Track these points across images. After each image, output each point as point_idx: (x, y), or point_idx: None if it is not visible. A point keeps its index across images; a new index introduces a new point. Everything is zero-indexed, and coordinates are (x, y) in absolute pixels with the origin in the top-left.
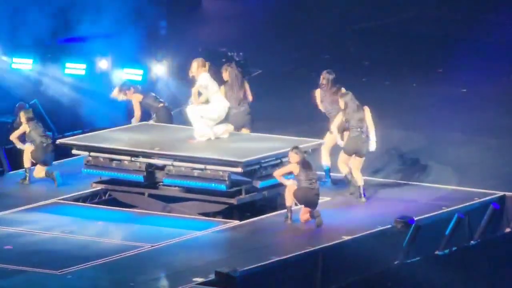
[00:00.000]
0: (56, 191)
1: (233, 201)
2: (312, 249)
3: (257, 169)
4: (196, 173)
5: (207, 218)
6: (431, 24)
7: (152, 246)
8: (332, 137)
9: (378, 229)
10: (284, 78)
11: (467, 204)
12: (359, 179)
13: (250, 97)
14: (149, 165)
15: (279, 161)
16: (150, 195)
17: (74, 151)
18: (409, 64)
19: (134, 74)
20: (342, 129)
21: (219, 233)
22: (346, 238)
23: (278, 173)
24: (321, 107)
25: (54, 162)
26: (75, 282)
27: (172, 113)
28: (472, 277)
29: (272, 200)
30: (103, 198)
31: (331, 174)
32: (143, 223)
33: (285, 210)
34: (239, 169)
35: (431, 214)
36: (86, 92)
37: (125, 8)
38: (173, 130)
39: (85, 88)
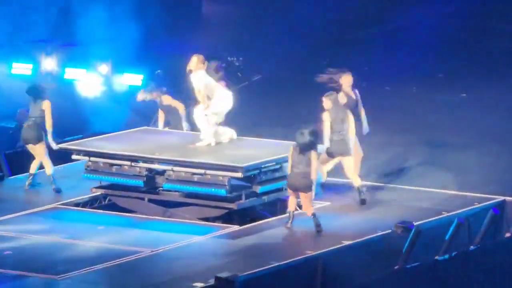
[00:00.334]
0: (56, 196)
1: (233, 206)
2: (312, 254)
3: (257, 174)
4: (196, 178)
5: (207, 223)
6: (431, 30)
7: (152, 251)
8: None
9: (378, 234)
10: (284, 83)
11: (467, 209)
12: (355, 180)
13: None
14: (149, 170)
15: (279, 166)
16: (150, 200)
17: (74, 156)
18: (409, 69)
19: (134, 79)
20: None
21: (219, 238)
22: (346, 243)
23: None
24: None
25: (54, 167)
26: (74, 287)
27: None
28: (473, 282)
29: (272, 205)
30: (103, 203)
31: (328, 179)
32: (143, 228)
33: (286, 215)
34: (239, 174)
35: (431, 219)
36: (86, 97)
37: (125, 13)
38: (173, 135)
39: (85, 93)
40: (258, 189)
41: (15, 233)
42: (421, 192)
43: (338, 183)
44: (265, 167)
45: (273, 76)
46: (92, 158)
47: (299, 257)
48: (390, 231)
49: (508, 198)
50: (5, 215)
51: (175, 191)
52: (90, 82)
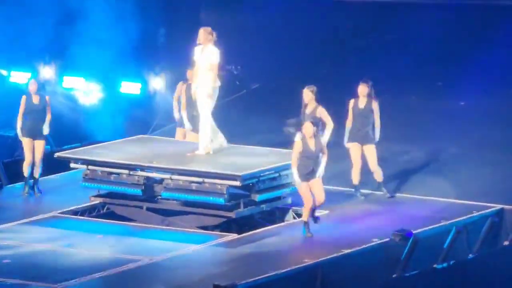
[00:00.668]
0: (54, 205)
1: (232, 214)
2: (311, 262)
3: (255, 182)
4: (194, 186)
5: (205, 231)
6: (430, 39)
7: (151, 259)
8: None
9: (377, 242)
10: (282, 92)
11: (466, 217)
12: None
13: None
14: (147, 179)
15: (277, 174)
16: (149, 209)
17: (72, 165)
18: (408, 78)
19: (132, 87)
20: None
21: (217, 246)
22: (345, 251)
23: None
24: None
25: (52, 176)
26: None
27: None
28: None
29: (270, 214)
30: (102, 211)
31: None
32: (142, 236)
33: (284, 223)
34: (237, 183)
35: (430, 227)
36: (85, 106)
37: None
38: (171, 144)
39: (83, 101)
40: (257, 197)
41: (14, 241)
42: (419, 201)
43: (336, 191)
44: (263, 176)
45: (272, 85)
46: (90, 167)
47: (298, 266)
48: (388, 239)
49: (506, 207)
50: (3, 224)
51: (174, 199)
52: (88, 90)
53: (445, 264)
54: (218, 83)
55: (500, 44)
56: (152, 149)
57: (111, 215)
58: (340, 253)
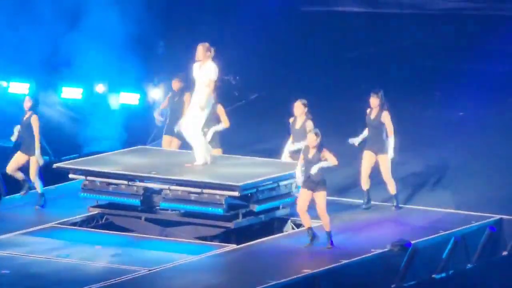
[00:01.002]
0: (53, 215)
1: (230, 225)
2: (310, 272)
3: (254, 193)
4: (193, 197)
5: (204, 242)
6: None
7: (149, 270)
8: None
9: (375, 252)
10: (281, 102)
11: (464, 227)
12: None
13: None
14: (146, 189)
15: (276, 185)
16: (147, 219)
17: (71, 175)
18: (406, 87)
19: (131, 98)
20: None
21: (216, 257)
22: (343, 261)
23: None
24: None
25: (51, 186)
26: None
27: None
28: None
29: (269, 224)
30: (100, 222)
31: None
32: (140, 247)
33: (283, 234)
34: (236, 193)
35: (428, 237)
36: (83, 116)
37: (122, 32)
38: (169, 154)
39: (82, 112)
40: (255, 208)
41: (13, 252)
42: (418, 211)
43: (335, 202)
44: (262, 186)
45: (270, 95)
46: (89, 177)
47: (297, 276)
48: (387, 249)
49: (504, 217)
50: (2, 234)
51: (172, 210)
52: (86, 101)
53: (443, 274)
54: (213, 100)
55: (498, 54)
56: (150, 159)
57: (110, 226)
58: (339, 263)
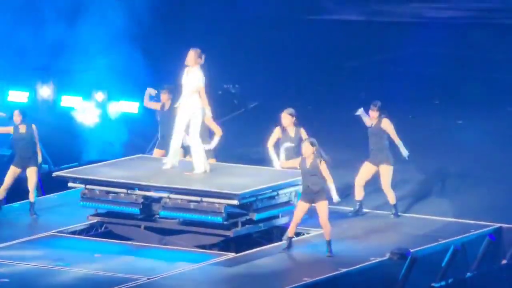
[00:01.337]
0: (52, 224)
1: (229, 233)
2: (310, 281)
3: (253, 201)
4: (192, 205)
5: (203, 250)
6: (429, 58)
7: (149, 278)
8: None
9: (375, 261)
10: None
11: (463, 236)
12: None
13: None
14: (145, 198)
15: (275, 193)
16: (146, 228)
17: (70, 184)
18: (406, 96)
19: (130, 106)
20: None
21: (215, 265)
22: (343, 270)
23: None
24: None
25: (50, 195)
26: None
27: None
28: None
29: (268, 233)
30: (100, 230)
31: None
32: (139, 255)
33: (282, 242)
34: (235, 202)
35: (427, 246)
36: (83, 125)
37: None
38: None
39: (81, 120)
40: (255, 216)
41: (12, 260)
42: (417, 219)
43: (333, 211)
44: (261, 195)
45: (270, 104)
46: (88, 186)
47: (296, 285)
48: (386, 258)
49: (504, 225)
50: (1, 243)
51: (172, 218)
52: (86, 109)
53: (443, 283)
54: (205, 108)
55: (498, 62)
56: (150, 168)
57: (109, 234)
58: (338, 272)
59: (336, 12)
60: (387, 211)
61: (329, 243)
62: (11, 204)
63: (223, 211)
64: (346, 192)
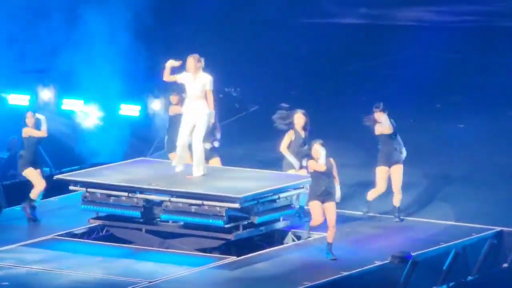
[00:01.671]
0: (53, 227)
1: (231, 236)
2: (311, 284)
3: (254, 204)
4: (193, 209)
5: (204, 254)
6: (429, 62)
7: (150, 282)
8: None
9: (376, 264)
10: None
11: (465, 239)
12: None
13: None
14: (147, 201)
15: (276, 197)
16: (148, 231)
17: (71, 187)
18: (407, 100)
19: (132, 110)
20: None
21: (216, 269)
22: (344, 273)
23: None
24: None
25: (52, 198)
26: None
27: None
28: None
29: (269, 236)
30: (101, 234)
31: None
32: (141, 259)
33: (283, 246)
34: (236, 205)
35: (429, 249)
36: (84, 128)
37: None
38: (170, 166)
39: (83, 123)
40: (256, 219)
41: (13, 264)
42: (419, 223)
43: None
44: (262, 198)
45: (271, 107)
46: (90, 189)
47: None
48: (387, 261)
49: (505, 229)
50: (2, 246)
51: (173, 222)
52: (87, 112)
53: (444, 286)
54: (212, 111)
55: (499, 66)
56: (151, 171)
57: (110, 238)
58: (339, 275)
59: (337, 16)
60: (389, 215)
61: (331, 246)
62: (13, 207)
63: (224, 214)
64: (348, 195)
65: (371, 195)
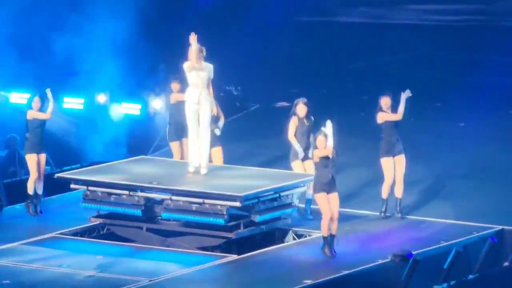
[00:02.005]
0: (54, 226)
1: (231, 235)
2: (311, 282)
3: (255, 203)
4: (194, 207)
5: (205, 252)
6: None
7: (151, 280)
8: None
9: (376, 263)
10: (282, 113)
11: (465, 238)
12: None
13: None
14: (147, 200)
15: (277, 195)
16: (148, 230)
17: (72, 185)
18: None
19: (132, 108)
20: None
21: (217, 267)
22: (345, 272)
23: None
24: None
25: (52, 197)
26: None
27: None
28: None
29: (270, 234)
30: (101, 232)
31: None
32: (141, 257)
33: (284, 244)
34: (237, 204)
35: (429, 248)
36: (85, 126)
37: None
38: (171, 164)
39: (84, 122)
40: (257, 218)
41: (13, 262)
42: (419, 222)
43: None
44: (263, 197)
45: (271, 106)
46: (91, 188)
47: (298, 287)
48: (388, 260)
49: (506, 227)
50: (3, 245)
51: (174, 220)
52: (88, 111)
53: (445, 285)
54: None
55: (499, 65)
56: (152, 169)
57: (111, 236)
58: (340, 274)
59: (338, 15)
60: (389, 213)
61: (326, 240)
62: (13, 205)
63: (225, 213)
64: (349, 193)
65: (385, 191)
